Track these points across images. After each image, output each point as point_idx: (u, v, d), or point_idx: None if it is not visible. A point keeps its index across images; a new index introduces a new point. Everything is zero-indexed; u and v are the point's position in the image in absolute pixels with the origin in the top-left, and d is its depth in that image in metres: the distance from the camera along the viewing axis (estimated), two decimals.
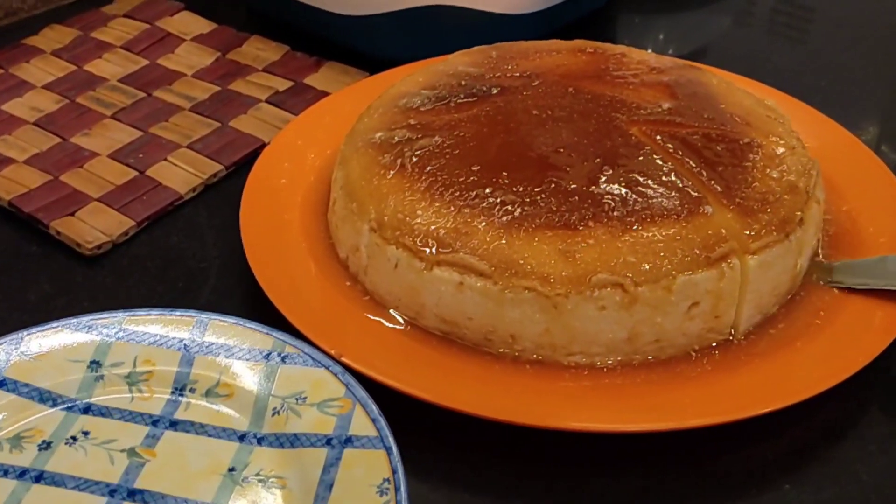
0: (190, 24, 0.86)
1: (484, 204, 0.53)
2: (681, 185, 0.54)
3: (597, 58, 0.68)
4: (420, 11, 0.78)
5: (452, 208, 0.54)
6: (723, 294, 0.52)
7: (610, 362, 0.53)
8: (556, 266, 0.51)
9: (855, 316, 0.55)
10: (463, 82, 0.64)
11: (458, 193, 0.54)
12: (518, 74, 0.65)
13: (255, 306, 0.57)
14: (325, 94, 0.76)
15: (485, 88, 0.63)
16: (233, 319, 0.53)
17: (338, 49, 0.82)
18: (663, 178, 0.55)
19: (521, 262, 0.51)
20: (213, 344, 0.52)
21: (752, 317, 0.54)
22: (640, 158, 0.56)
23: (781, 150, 0.58)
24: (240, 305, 0.59)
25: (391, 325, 0.55)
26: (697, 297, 0.52)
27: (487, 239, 0.52)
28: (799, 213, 0.55)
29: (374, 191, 0.56)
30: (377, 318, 0.55)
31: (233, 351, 0.52)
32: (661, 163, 0.56)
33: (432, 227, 0.53)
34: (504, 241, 0.52)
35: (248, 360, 0.51)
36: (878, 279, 0.56)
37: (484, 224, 0.53)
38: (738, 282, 0.53)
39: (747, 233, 0.53)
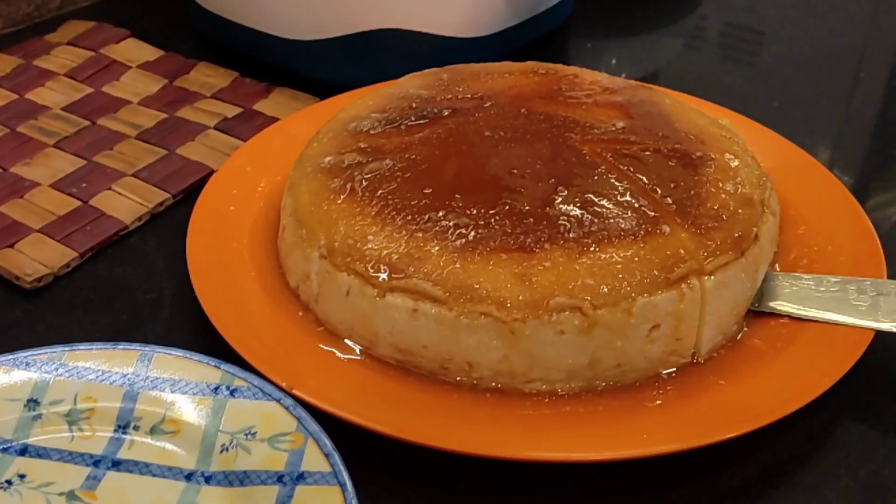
0: (136, 51, 0.84)
1: (437, 228, 0.52)
2: (637, 205, 0.53)
3: (549, 79, 0.67)
4: (370, 35, 0.77)
5: (404, 233, 0.52)
6: (683, 316, 0.51)
7: (571, 388, 0.51)
8: (513, 290, 0.49)
9: (818, 333, 0.54)
10: (414, 105, 0.63)
11: (410, 217, 0.53)
12: (469, 96, 0.64)
13: (204, 339, 0.55)
14: (275, 119, 0.75)
15: (436, 111, 0.62)
16: (179, 352, 0.51)
17: (288, 75, 0.80)
18: (619, 198, 0.54)
19: (477, 286, 0.50)
20: (158, 378, 0.50)
21: (713, 338, 0.53)
22: (595, 178, 0.55)
23: (735, 163, 0.57)
24: (188, 338, 0.57)
25: (345, 356, 0.53)
26: (658, 319, 0.51)
27: (441, 263, 0.51)
28: (755, 228, 0.54)
29: (323, 216, 0.55)
30: (330, 349, 0.53)
31: (179, 385, 0.50)
32: (615, 182, 0.55)
33: (384, 253, 0.52)
34: (458, 266, 0.50)
35: (195, 394, 0.49)
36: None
37: (437, 248, 0.51)
38: (698, 303, 0.51)
39: (703, 253, 0.52)
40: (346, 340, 0.54)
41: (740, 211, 0.54)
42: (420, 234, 0.52)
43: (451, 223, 0.52)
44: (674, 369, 0.53)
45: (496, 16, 0.81)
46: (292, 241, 0.56)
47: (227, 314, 0.54)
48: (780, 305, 0.55)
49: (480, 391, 0.51)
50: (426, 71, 0.69)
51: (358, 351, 0.53)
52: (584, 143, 0.58)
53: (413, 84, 0.66)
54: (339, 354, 0.53)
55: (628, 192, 0.54)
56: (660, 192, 0.54)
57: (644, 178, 0.55)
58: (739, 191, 0.55)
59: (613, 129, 0.60)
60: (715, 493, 0.49)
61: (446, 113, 0.62)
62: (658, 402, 0.51)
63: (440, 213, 0.53)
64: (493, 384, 0.51)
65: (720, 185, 0.55)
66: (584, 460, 0.48)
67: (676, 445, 0.48)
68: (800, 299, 0.55)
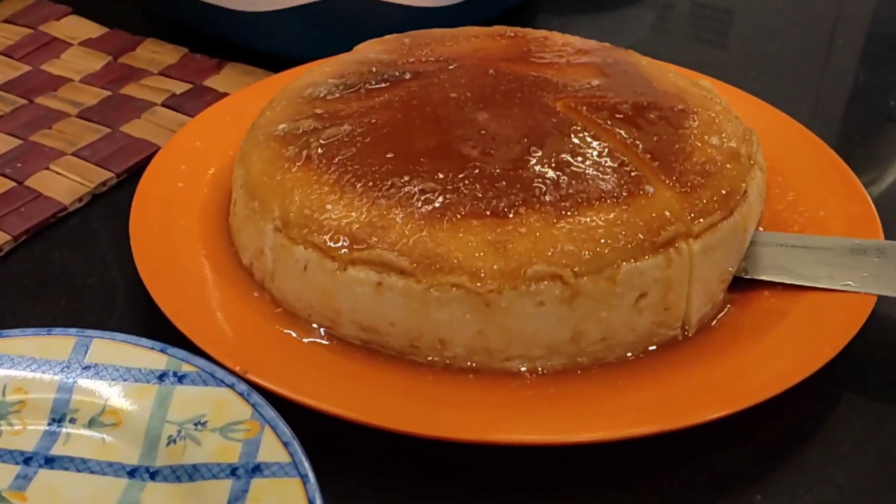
0: (78, 28, 0.79)
1: (401, 194, 0.47)
2: (616, 164, 0.49)
3: (518, 41, 0.62)
4: (326, 5, 0.72)
5: (366, 200, 0.48)
6: (671, 283, 0.47)
7: (552, 366, 0.47)
8: (487, 259, 0.45)
9: (814, 300, 0.50)
10: (374, 69, 0.58)
11: (371, 184, 0.48)
12: (433, 59, 0.60)
13: (151, 324, 0.50)
14: (226, 95, 0.70)
15: (397, 74, 0.57)
16: (120, 337, 0.46)
17: (241, 49, 0.75)
18: (597, 157, 0.50)
19: (447, 256, 0.45)
20: (97, 366, 0.45)
21: (702, 307, 0.49)
22: (570, 136, 0.51)
23: (719, 118, 0.53)
24: (134, 323, 0.52)
25: (304, 338, 0.48)
26: (644, 287, 0.46)
27: (407, 232, 0.46)
28: (743, 184, 0.50)
29: (277, 186, 0.50)
30: (287, 330, 0.49)
31: (120, 373, 0.45)
32: (592, 140, 0.51)
33: (344, 222, 0.47)
34: (426, 234, 0.46)
35: (138, 382, 0.45)
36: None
37: (402, 216, 0.47)
38: (686, 268, 0.47)
39: (689, 214, 0.47)
40: (304, 320, 0.49)
41: (728, 166, 0.50)
42: (383, 202, 0.47)
43: (417, 189, 0.48)
44: (658, 345, 0.48)
45: None
46: (244, 215, 0.52)
47: (174, 296, 0.49)
48: (773, 274, 0.51)
49: (454, 372, 0.47)
50: (387, 37, 0.64)
51: (317, 332, 0.48)
52: (558, 101, 0.54)
53: (373, 49, 0.62)
54: (297, 336, 0.48)
55: (607, 151, 0.50)
56: (641, 146, 0.50)
57: (623, 133, 0.51)
58: (725, 145, 0.51)
59: (588, 86, 0.56)
60: (714, 475, 0.45)
61: (408, 76, 0.57)
62: (646, 379, 0.47)
63: (404, 179, 0.48)
64: (468, 363, 0.47)
65: (705, 138, 0.51)
66: (564, 442, 0.43)
67: (667, 425, 0.43)
68: (793, 265, 0.51)
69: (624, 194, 0.48)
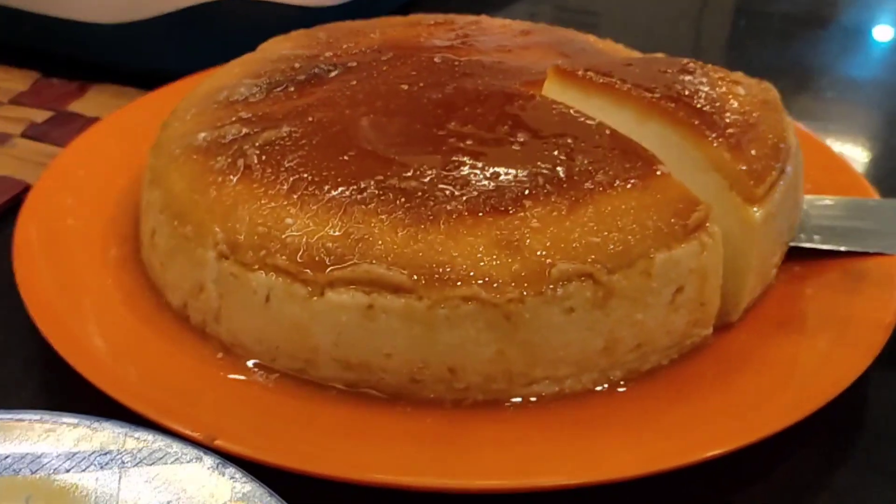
0: None
1: (377, 197, 0.38)
2: (622, 143, 0.42)
3: (449, 28, 0.55)
4: (205, 10, 0.63)
5: (335, 208, 0.38)
6: (707, 273, 0.40)
7: (582, 385, 0.39)
8: (500, 261, 0.37)
9: (824, 312, 0.43)
10: (297, 65, 0.49)
11: (337, 189, 0.39)
12: (363, 50, 0.51)
13: (62, 394, 0.39)
14: (97, 119, 0.59)
15: (329, 67, 0.48)
16: (32, 415, 0.35)
17: (105, 69, 0.64)
18: (597, 138, 0.42)
19: (451, 263, 0.37)
20: (6, 457, 0.34)
21: (756, 288, 0.42)
22: (556, 119, 0.43)
23: (721, 71, 0.47)
24: (38, 396, 0.41)
25: (271, 387, 0.38)
26: (681, 279, 0.39)
27: (397, 240, 0.37)
28: (784, 132, 0.44)
29: (213, 205, 0.40)
30: (248, 378, 0.39)
31: (43, 462, 0.34)
32: (587, 121, 0.43)
33: (314, 238, 0.38)
34: (420, 240, 0.37)
35: (70, 470, 0.33)
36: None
37: (386, 222, 0.38)
38: (720, 254, 0.40)
39: (749, 178, 0.40)
40: (270, 366, 0.39)
41: (765, 114, 0.44)
42: (357, 208, 0.38)
43: (395, 189, 0.39)
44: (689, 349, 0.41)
45: None
46: (171, 245, 0.41)
47: (92, 355, 0.38)
48: (835, 241, 0.46)
49: (465, 407, 0.38)
50: (294, 33, 0.55)
51: (286, 376, 0.39)
52: (528, 86, 0.46)
53: (284, 46, 0.53)
54: (261, 382, 0.38)
55: (606, 129, 0.42)
56: (659, 93, 0.43)
57: (646, 92, 0.43)
58: (751, 94, 0.45)
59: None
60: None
61: (340, 70, 0.48)
62: (682, 394, 0.39)
63: (377, 178, 0.39)
64: (483, 395, 0.38)
65: (731, 87, 0.44)
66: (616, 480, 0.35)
67: (725, 447, 0.36)
68: (850, 231, 0.46)
69: (637, 176, 0.40)
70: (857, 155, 0.65)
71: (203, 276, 0.40)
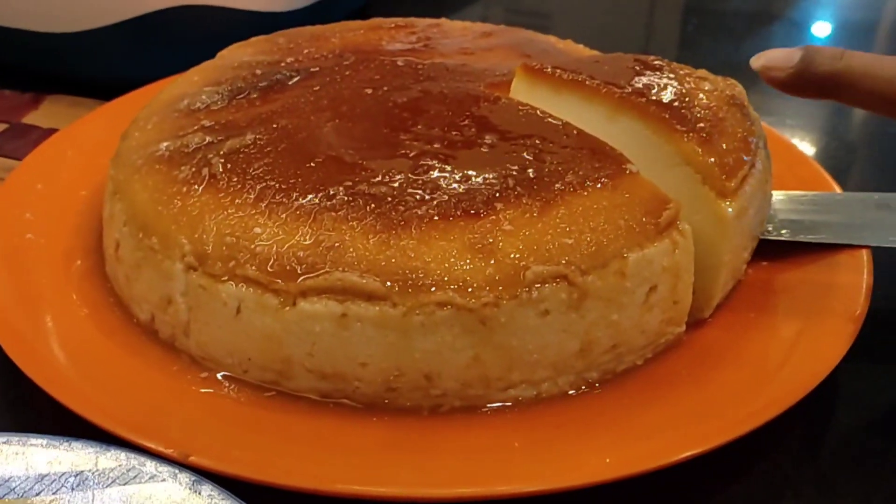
0: None
1: (346, 203, 0.38)
2: (590, 142, 0.42)
3: (410, 31, 0.54)
4: (160, 17, 0.62)
5: (304, 215, 0.38)
6: (679, 271, 0.40)
7: (559, 388, 0.38)
8: (474, 266, 0.36)
9: (795, 305, 0.43)
10: (259, 72, 0.48)
11: (305, 197, 0.39)
12: (325, 55, 0.51)
13: (29, 414, 0.38)
14: (54, 131, 0.57)
15: (291, 73, 0.48)
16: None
17: (59, 79, 0.63)
18: (565, 139, 0.42)
19: (425, 269, 0.36)
20: None
21: (728, 283, 0.42)
22: (523, 120, 0.43)
23: (685, 68, 0.47)
24: (3, 417, 0.40)
25: (243, 399, 0.38)
26: (654, 278, 0.39)
27: (369, 246, 0.37)
28: (753, 125, 0.44)
29: (179, 215, 0.39)
30: (220, 392, 0.38)
31: (12, 485, 0.33)
32: (553, 121, 0.43)
33: (284, 247, 0.37)
34: (392, 246, 0.37)
35: (41, 493, 0.33)
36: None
37: (357, 229, 0.37)
38: (691, 252, 0.40)
39: (711, 160, 0.40)
40: (242, 378, 0.38)
41: (732, 109, 0.44)
42: (327, 215, 0.38)
43: (364, 194, 0.38)
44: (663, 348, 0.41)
45: None
46: (137, 258, 0.40)
47: (59, 375, 0.38)
48: (805, 233, 0.46)
49: (442, 413, 0.37)
50: (253, 39, 0.54)
51: (265, 389, 0.38)
52: (493, 88, 0.46)
53: (244, 53, 0.52)
54: (234, 397, 0.38)
55: (574, 130, 0.42)
56: (629, 88, 0.43)
57: (613, 86, 0.43)
58: (717, 89, 0.45)
59: None
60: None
61: (303, 75, 0.48)
62: (659, 392, 0.39)
63: (346, 184, 0.39)
64: (459, 401, 0.37)
65: (697, 83, 0.44)
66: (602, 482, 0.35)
67: (704, 446, 0.36)
68: (820, 224, 0.46)
69: (607, 175, 0.40)
70: (814, 149, 0.65)
71: (171, 289, 0.39)
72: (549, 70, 0.44)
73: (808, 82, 0.41)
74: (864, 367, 0.43)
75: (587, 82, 0.43)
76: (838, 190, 0.50)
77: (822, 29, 0.91)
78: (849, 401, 0.42)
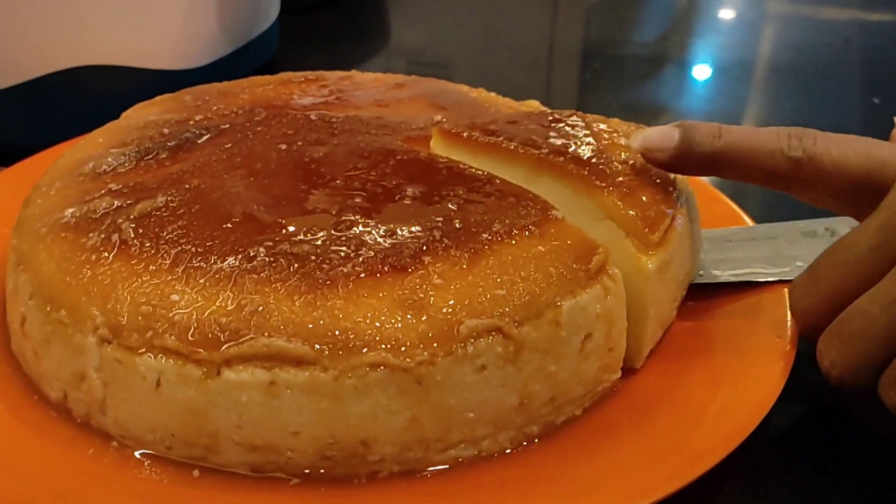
0: None
1: (268, 264, 0.36)
2: (513, 191, 0.41)
3: (322, 84, 0.53)
4: (58, 78, 0.60)
5: (224, 279, 0.36)
6: (612, 316, 0.39)
7: (499, 445, 0.37)
8: (406, 323, 0.35)
9: (726, 345, 0.43)
10: (166, 131, 0.47)
11: (224, 259, 0.37)
12: (235, 111, 0.49)
13: None
14: None
15: (200, 131, 0.46)
16: None
17: None
18: (488, 188, 0.41)
19: (355, 329, 0.35)
20: None
21: (656, 332, 0.42)
22: (444, 172, 0.42)
23: (600, 122, 0.46)
24: None
25: (165, 480, 0.35)
26: (589, 325, 0.38)
27: (294, 308, 0.35)
28: (672, 175, 0.44)
29: (89, 285, 0.37)
30: (141, 473, 0.36)
31: None
32: (475, 171, 0.42)
33: (205, 313, 0.35)
34: (319, 307, 0.35)
35: None
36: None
37: (281, 290, 0.35)
38: (623, 296, 0.40)
39: (638, 220, 0.40)
40: (165, 455, 0.36)
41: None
42: (248, 278, 0.36)
43: (286, 254, 0.37)
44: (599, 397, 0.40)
45: (210, 43, 0.67)
46: (46, 332, 0.38)
47: None
48: (734, 272, 0.46)
49: (380, 480, 0.36)
50: (158, 98, 0.53)
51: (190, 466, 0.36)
52: (410, 142, 0.45)
53: (149, 112, 0.50)
54: (157, 479, 0.35)
55: (497, 180, 0.42)
56: (546, 148, 0.42)
57: (531, 148, 0.42)
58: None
59: (434, 122, 0.48)
60: None
61: (213, 133, 0.46)
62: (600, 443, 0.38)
63: (266, 245, 0.37)
64: (398, 467, 0.36)
65: (613, 138, 0.44)
66: None
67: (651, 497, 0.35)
68: (751, 259, 0.46)
69: (533, 223, 0.39)
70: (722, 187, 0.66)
71: (84, 364, 0.36)
72: (466, 135, 0.44)
73: (690, 162, 0.41)
74: (795, 402, 0.43)
75: (503, 145, 0.43)
76: (750, 223, 0.50)
77: (704, 71, 0.93)
78: (788, 434, 0.42)
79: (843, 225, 0.46)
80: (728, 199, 0.52)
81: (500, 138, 0.43)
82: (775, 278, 0.44)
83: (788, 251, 0.46)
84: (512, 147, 0.43)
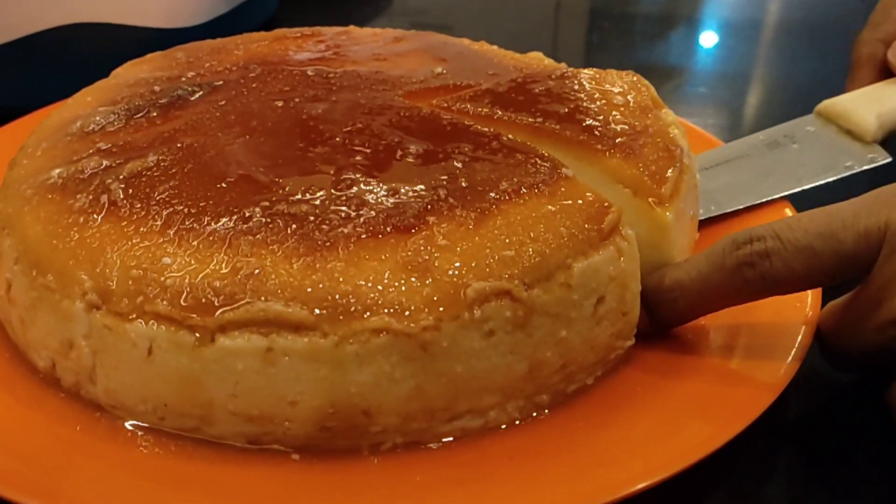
0: None
1: (264, 225, 0.34)
2: (521, 149, 0.39)
3: (318, 40, 0.51)
4: (51, 36, 0.57)
5: (218, 241, 0.34)
6: (626, 279, 0.37)
7: (508, 416, 0.35)
8: (410, 286, 0.33)
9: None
10: (157, 88, 0.45)
11: (218, 221, 0.35)
12: (228, 68, 0.47)
13: None
14: None
15: (193, 88, 0.44)
16: None
17: None
18: (495, 145, 0.39)
19: (357, 292, 0.33)
20: None
21: None
22: (449, 129, 0.40)
23: (598, 75, 0.45)
24: None
25: (158, 450, 0.34)
26: (601, 288, 0.36)
27: (292, 272, 0.33)
28: (671, 132, 0.42)
29: (77, 249, 0.35)
30: (134, 444, 0.34)
31: None
32: (481, 128, 0.40)
33: (198, 277, 0.33)
34: (318, 270, 0.33)
35: None
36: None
37: (279, 253, 0.34)
38: (637, 259, 0.38)
39: (645, 176, 0.39)
40: (158, 426, 0.34)
41: (648, 119, 0.42)
42: (243, 239, 0.34)
43: (283, 214, 0.35)
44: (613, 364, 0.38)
45: (207, 2, 0.64)
46: (32, 298, 0.36)
47: None
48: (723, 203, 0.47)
49: (385, 452, 0.34)
50: (150, 55, 0.51)
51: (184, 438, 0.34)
52: (411, 97, 0.43)
53: (140, 70, 0.48)
54: (154, 449, 0.34)
55: (504, 137, 0.40)
56: (557, 126, 0.40)
57: (526, 118, 0.41)
58: (629, 99, 0.43)
59: (434, 75, 0.46)
60: None
61: (206, 90, 0.44)
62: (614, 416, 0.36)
63: (262, 205, 0.35)
64: (402, 438, 0.34)
65: (608, 97, 0.42)
66: None
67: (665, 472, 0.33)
68: (732, 188, 0.47)
69: (542, 181, 0.37)
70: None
71: (72, 332, 0.35)
72: (457, 107, 0.42)
73: None
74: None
75: (496, 116, 0.41)
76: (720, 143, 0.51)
77: (715, 31, 0.91)
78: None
79: (797, 129, 0.50)
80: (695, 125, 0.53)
81: (495, 111, 0.41)
82: (760, 200, 0.46)
83: (765, 167, 0.48)
84: (507, 118, 0.41)
